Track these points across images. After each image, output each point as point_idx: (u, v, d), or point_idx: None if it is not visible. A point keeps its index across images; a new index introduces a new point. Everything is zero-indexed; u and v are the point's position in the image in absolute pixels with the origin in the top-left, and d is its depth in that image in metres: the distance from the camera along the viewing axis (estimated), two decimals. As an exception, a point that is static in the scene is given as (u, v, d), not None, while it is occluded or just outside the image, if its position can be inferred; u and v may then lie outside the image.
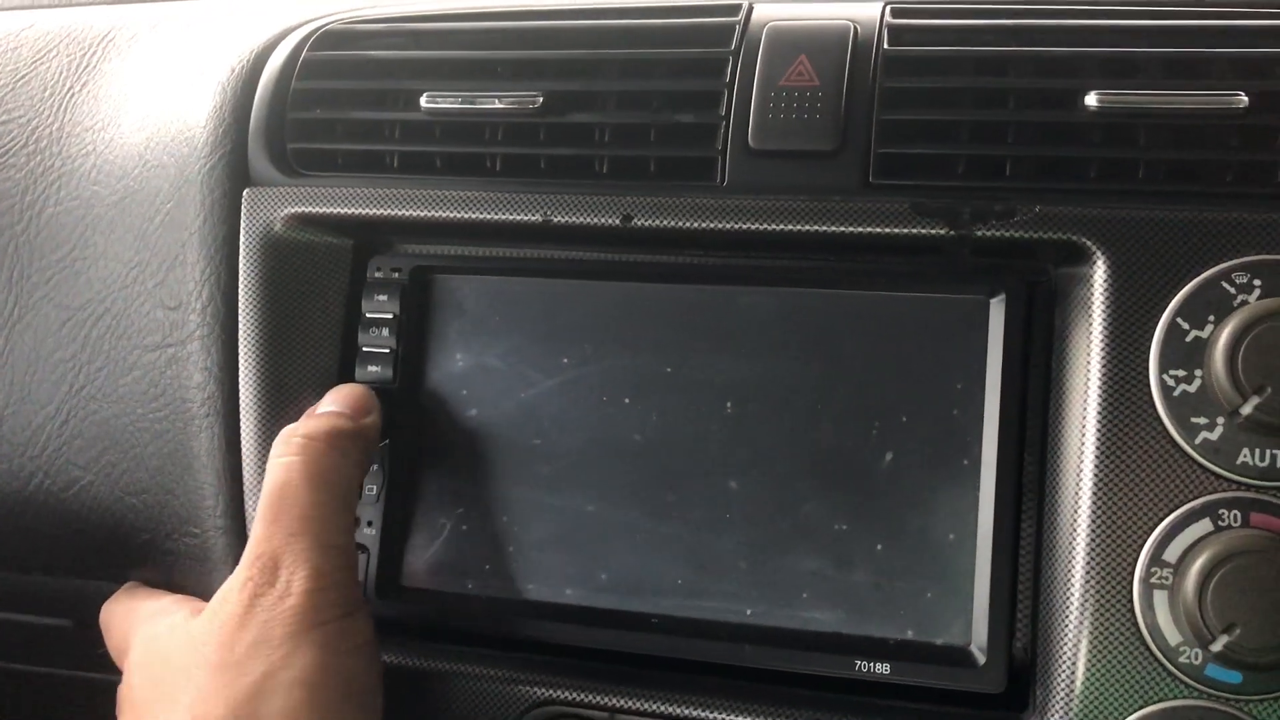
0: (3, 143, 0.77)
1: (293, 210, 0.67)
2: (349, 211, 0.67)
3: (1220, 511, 0.53)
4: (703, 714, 0.60)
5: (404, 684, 0.63)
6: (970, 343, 0.59)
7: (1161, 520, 0.54)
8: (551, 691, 0.62)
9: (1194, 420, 0.54)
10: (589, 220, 0.63)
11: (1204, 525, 0.53)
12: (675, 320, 0.63)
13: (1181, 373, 0.55)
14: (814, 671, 0.60)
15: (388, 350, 0.67)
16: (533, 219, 0.64)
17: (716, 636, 0.61)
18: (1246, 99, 0.57)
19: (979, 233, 0.58)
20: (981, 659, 0.57)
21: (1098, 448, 0.55)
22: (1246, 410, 0.52)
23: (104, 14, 0.83)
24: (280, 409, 0.66)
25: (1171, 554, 0.54)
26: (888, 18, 0.64)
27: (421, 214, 0.65)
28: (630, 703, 0.61)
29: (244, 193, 0.68)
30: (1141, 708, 0.54)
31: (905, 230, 0.59)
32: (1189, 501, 0.54)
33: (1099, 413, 0.55)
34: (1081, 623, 0.55)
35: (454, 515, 0.65)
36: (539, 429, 0.64)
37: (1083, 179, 0.58)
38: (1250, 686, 0.52)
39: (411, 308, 0.67)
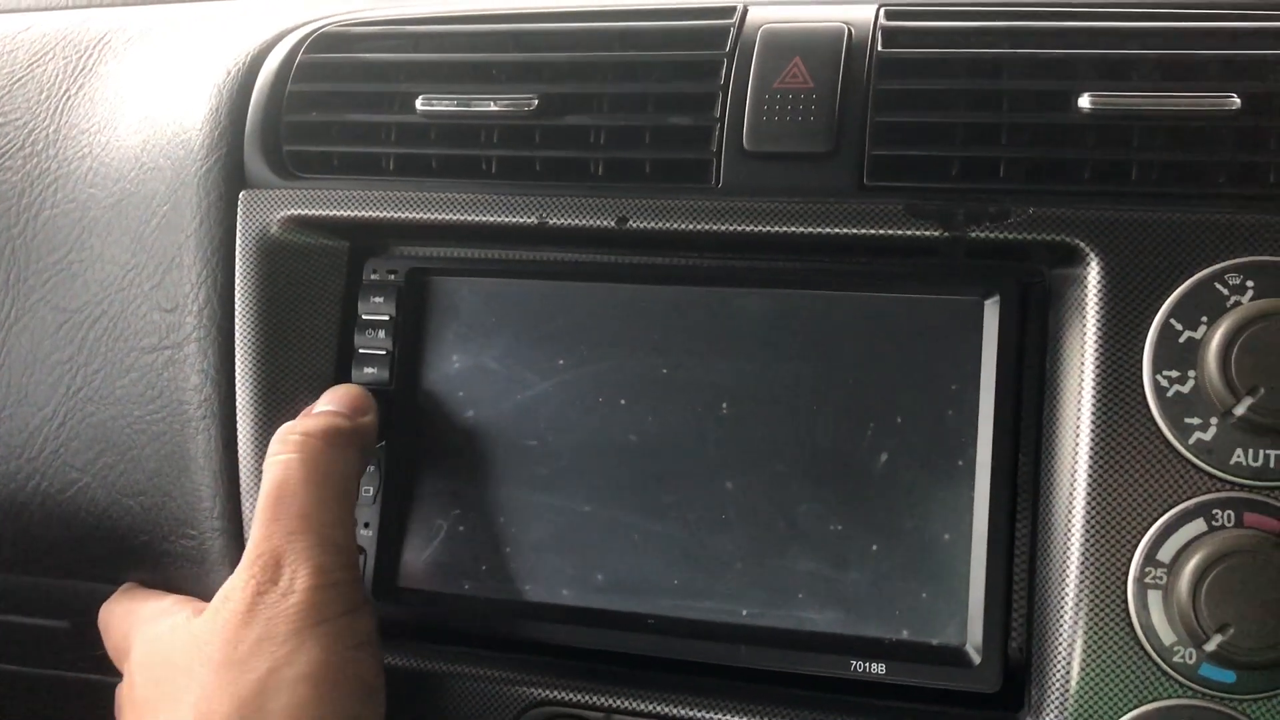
0: (-1, 145, 0.77)
1: (289, 212, 0.67)
2: (345, 214, 0.67)
3: (1214, 511, 0.54)
4: (699, 714, 0.60)
5: (401, 685, 0.64)
6: (965, 344, 0.60)
7: (1155, 520, 0.54)
8: (548, 692, 0.62)
9: (1188, 421, 0.54)
10: (584, 222, 0.63)
11: (1198, 525, 0.54)
12: (671, 322, 0.63)
13: (1175, 373, 0.55)
14: (810, 671, 0.60)
15: (384, 352, 0.67)
16: (528, 221, 0.64)
17: (713, 637, 0.61)
18: (1239, 101, 0.57)
19: (973, 234, 0.58)
20: (977, 659, 0.58)
21: (1092, 448, 0.55)
22: (1240, 411, 0.52)
23: (100, 17, 0.83)
24: (277, 410, 0.66)
25: (1165, 554, 0.54)
26: (882, 20, 0.64)
27: (417, 216, 0.66)
28: (626, 703, 0.61)
29: (240, 195, 0.68)
30: (1136, 707, 0.54)
31: (900, 232, 0.59)
32: (1183, 502, 0.54)
33: (1093, 413, 0.56)
34: (1076, 622, 0.55)
35: (451, 516, 0.65)
36: (535, 430, 0.64)
37: (1076, 181, 0.59)
38: (1244, 686, 0.53)
39: (408, 310, 0.67)
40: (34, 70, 0.80)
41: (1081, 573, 0.55)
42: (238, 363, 0.67)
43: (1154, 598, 0.54)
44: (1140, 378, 0.55)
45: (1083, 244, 0.57)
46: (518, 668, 0.63)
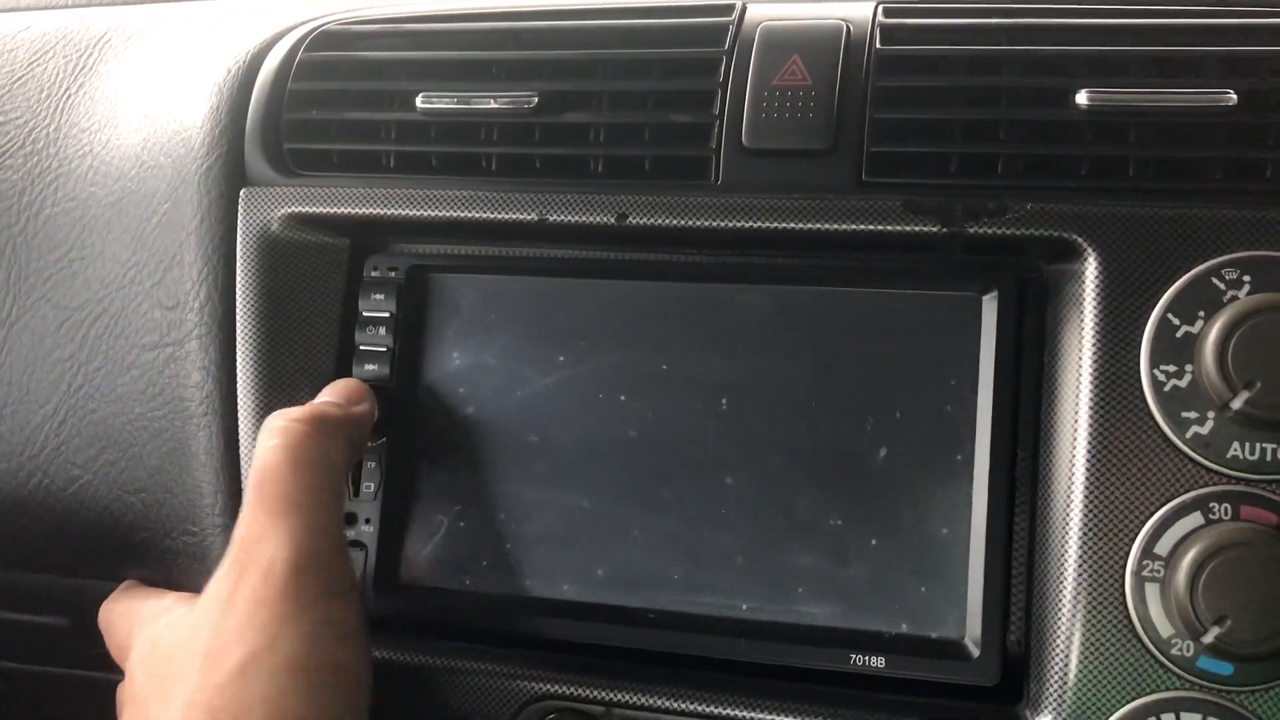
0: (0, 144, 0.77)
1: (289, 210, 0.68)
2: (345, 211, 0.67)
3: (1211, 505, 0.54)
4: (699, 708, 0.60)
5: (402, 680, 0.64)
6: (963, 339, 0.60)
7: (1153, 514, 0.55)
8: (549, 686, 0.62)
9: (1184, 415, 0.55)
10: (584, 219, 0.63)
11: (1195, 518, 0.54)
12: (670, 318, 0.64)
13: (1172, 368, 0.55)
14: (809, 665, 0.60)
15: (385, 349, 0.67)
16: (528, 218, 0.64)
17: (712, 631, 0.61)
18: (1235, 97, 0.57)
19: (971, 230, 0.59)
20: (975, 652, 0.58)
21: (1089, 442, 0.56)
22: (1236, 404, 0.52)
23: (101, 15, 0.83)
24: (278, 407, 0.65)
25: (1163, 547, 0.54)
26: (880, 17, 0.64)
27: (418, 213, 0.66)
28: (627, 697, 0.61)
29: (241, 193, 0.69)
30: (1134, 699, 0.54)
31: (898, 228, 0.60)
32: (1180, 495, 0.54)
33: (1090, 408, 0.56)
34: (1074, 615, 0.55)
35: (451, 512, 0.66)
36: (536, 426, 0.65)
37: (1074, 176, 0.59)
38: (1241, 678, 0.53)
39: (408, 307, 0.67)
40: (34, 69, 0.80)
41: (1079, 566, 0.55)
42: (239, 360, 0.67)
43: (1152, 590, 0.54)
44: (1138, 372, 0.56)
45: (1080, 239, 0.57)
46: (518, 662, 0.63)
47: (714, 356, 0.63)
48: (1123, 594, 0.55)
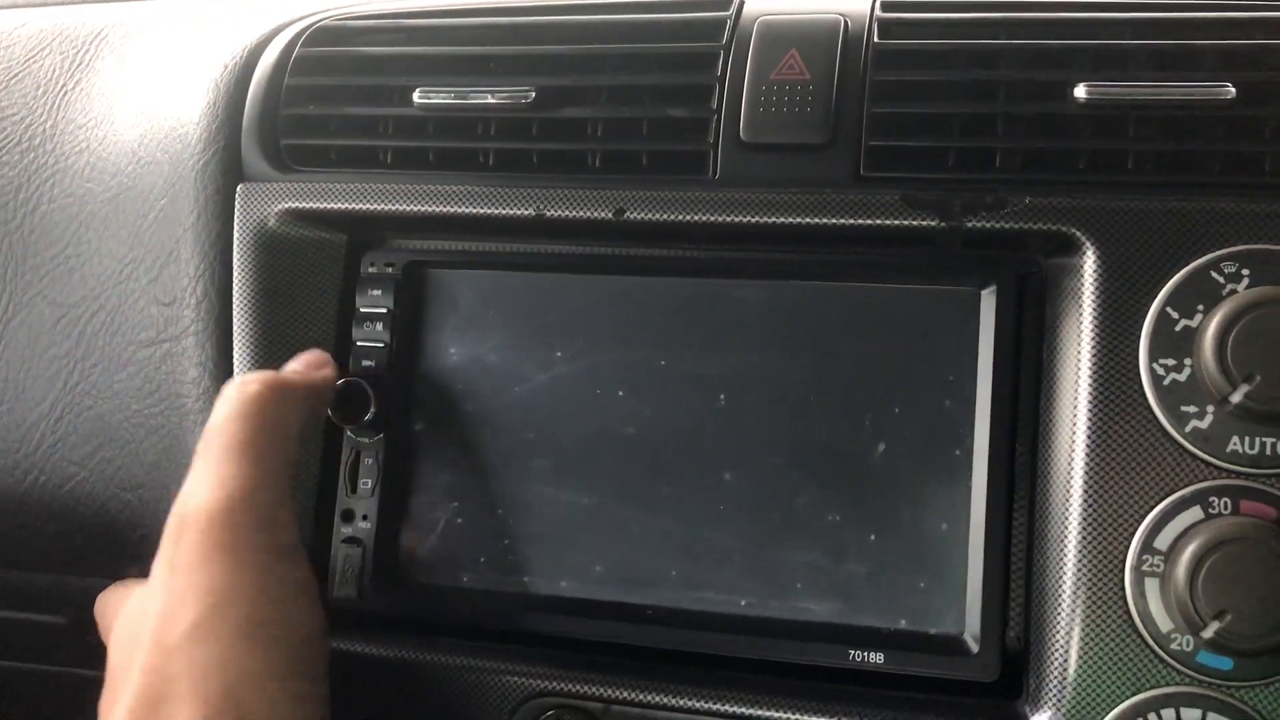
0: (-4, 140, 0.77)
1: (286, 205, 0.67)
2: (342, 207, 0.67)
3: (1210, 499, 0.54)
4: (698, 704, 0.60)
5: (399, 677, 0.64)
6: (962, 334, 0.60)
7: (1152, 508, 0.54)
8: (547, 683, 0.62)
9: (1184, 409, 0.55)
10: (582, 214, 0.63)
11: (1194, 513, 0.54)
12: (668, 313, 0.63)
13: (1171, 362, 0.55)
14: (809, 661, 0.60)
15: (382, 344, 0.67)
16: (526, 213, 0.64)
17: (711, 627, 0.61)
18: (1234, 90, 0.57)
19: (970, 224, 0.59)
20: (975, 647, 0.58)
21: (1089, 437, 0.56)
22: (1236, 398, 0.52)
23: (97, 12, 0.83)
24: (275, 404, 0.66)
25: (1162, 542, 0.54)
26: (878, 11, 0.64)
27: (415, 209, 0.66)
28: (625, 694, 0.61)
29: (238, 188, 0.68)
30: (1133, 694, 0.54)
31: (896, 222, 0.59)
32: (1179, 489, 0.54)
33: (1090, 402, 0.56)
34: (1074, 611, 0.55)
35: (449, 509, 0.65)
36: (533, 422, 0.64)
37: (1072, 170, 0.59)
38: (1241, 673, 0.53)
39: (405, 302, 0.67)
40: (31, 65, 0.80)
41: (1079, 561, 0.55)
42: (235, 356, 0.67)
43: (1151, 585, 0.54)
44: (1137, 366, 0.55)
45: (1079, 233, 0.57)
46: (516, 659, 0.63)
47: (712, 352, 0.63)
48: (1122, 589, 0.54)
